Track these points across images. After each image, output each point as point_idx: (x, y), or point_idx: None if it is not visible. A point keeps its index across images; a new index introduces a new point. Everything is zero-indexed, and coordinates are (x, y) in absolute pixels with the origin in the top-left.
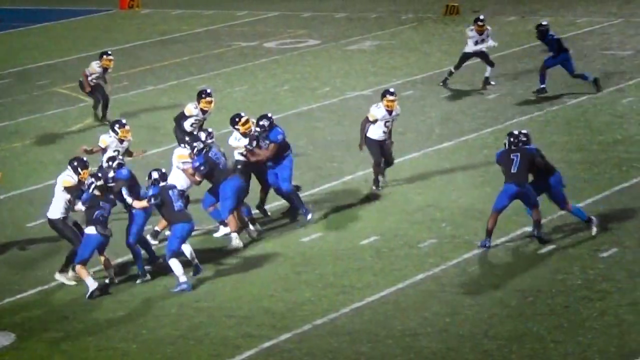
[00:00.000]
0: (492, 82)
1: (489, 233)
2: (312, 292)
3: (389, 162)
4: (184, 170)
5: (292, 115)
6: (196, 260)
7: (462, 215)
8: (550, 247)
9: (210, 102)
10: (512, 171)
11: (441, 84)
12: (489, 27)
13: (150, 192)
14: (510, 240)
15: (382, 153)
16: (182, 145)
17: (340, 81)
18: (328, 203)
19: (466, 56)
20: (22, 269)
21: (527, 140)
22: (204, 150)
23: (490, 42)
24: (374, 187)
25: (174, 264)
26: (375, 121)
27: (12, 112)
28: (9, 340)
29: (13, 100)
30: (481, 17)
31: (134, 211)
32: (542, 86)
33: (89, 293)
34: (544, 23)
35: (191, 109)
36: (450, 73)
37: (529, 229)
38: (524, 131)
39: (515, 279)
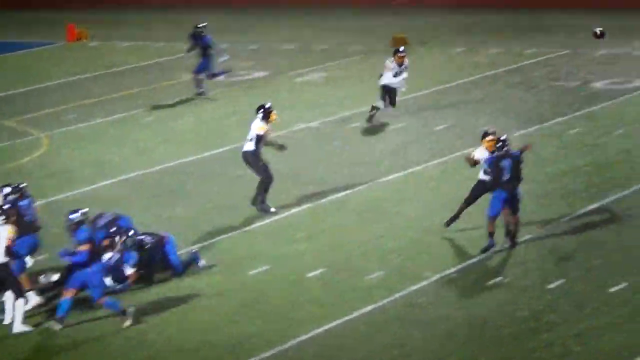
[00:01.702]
0: (373, 112)
1: (491, 234)
2: (260, 324)
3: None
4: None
5: (240, 148)
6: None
7: (411, 246)
8: (498, 278)
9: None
10: (504, 178)
11: (368, 121)
12: (407, 60)
13: None
14: (458, 272)
15: None
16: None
17: (288, 113)
18: (276, 235)
19: (386, 88)
20: None
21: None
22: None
23: (405, 75)
24: None
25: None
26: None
27: None
28: None
29: None
30: (401, 48)
31: None
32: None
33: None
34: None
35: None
36: (374, 108)
37: (474, 260)
38: (504, 137)
39: (464, 310)
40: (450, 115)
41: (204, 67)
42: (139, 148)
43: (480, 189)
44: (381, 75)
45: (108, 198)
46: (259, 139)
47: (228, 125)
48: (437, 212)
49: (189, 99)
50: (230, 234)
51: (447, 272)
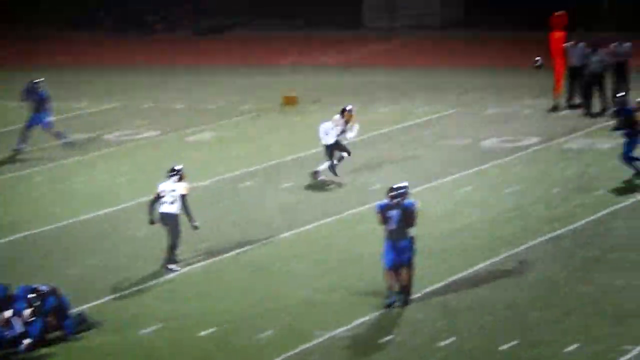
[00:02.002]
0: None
1: (390, 291)
2: None
3: None
4: None
5: (131, 207)
6: None
7: (302, 305)
8: (389, 337)
9: None
10: (390, 227)
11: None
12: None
13: None
14: (349, 330)
15: None
16: None
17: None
18: (168, 294)
19: (334, 146)
20: None
21: (406, 193)
22: None
23: (355, 131)
24: None
25: None
26: None
27: None
28: None
29: None
30: (349, 107)
31: None
32: None
33: None
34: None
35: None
36: (335, 163)
37: (365, 318)
38: (403, 184)
39: None
40: (342, 174)
41: (36, 122)
42: (30, 207)
43: None
44: (326, 135)
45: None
46: (183, 199)
47: (119, 184)
48: (327, 271)
49: (84, 159)
50: (121, 293)
51: (338, 330)
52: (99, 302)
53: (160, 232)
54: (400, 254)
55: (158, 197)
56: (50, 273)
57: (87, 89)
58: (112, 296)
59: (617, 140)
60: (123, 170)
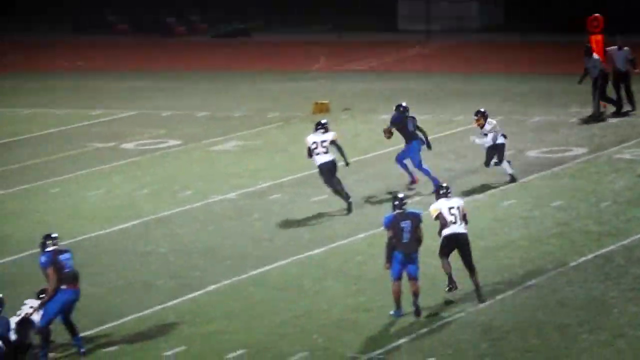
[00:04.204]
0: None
1: (397, 304)
2: None
3: None
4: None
5: (152, 221)
6: None
7: (335, 326)
8: (430, 359)
9: None
10: (403, 240)
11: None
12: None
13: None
14: (387, 352)
15: None
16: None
17: (203, 184)
18: (191, 315)
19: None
20: None
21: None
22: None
23: (491, 135)
24: None
25: None
26: None
27: None
28: None
29: None
30: (479, 112)
31: None
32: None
33: None
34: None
35: None
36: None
37: (404, 340)
38: (400, 195)
39: None
40: (375, 186)
41: None
42: (43, 222)
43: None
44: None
45: (9, 276)
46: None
47: (139, 197)
48: (361, 289)
49: (100, 170)
50: (141, 313)
51: (374, 353)
52: (118, 322)
53: (184, 249)
54: (411, 266)
55: (311, 151)
56: None
57: (104, 95)
58: (132, 316)
59: None
60: (143, 181)
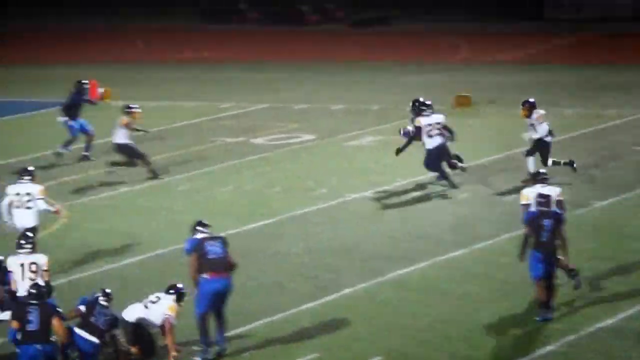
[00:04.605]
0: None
1: (542, 304)
2: None
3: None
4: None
5: (285, 220)
6: None
7: (479, 332)
8: None
9: None
10: (541, 239)
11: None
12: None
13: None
14: None
15: None
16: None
17: (338, 181)
18: (326, 319)
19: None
20: None
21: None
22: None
23: (538, 130)
24: None
25: None
26: None
27: None
28: None
29: None
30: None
31: None
32: None
33: None
34: None
35: None
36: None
37: (551, 347)
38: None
39: None
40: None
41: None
42: (172, 220)
43: None
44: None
45: (135, 277)
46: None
47: (271, 195)
48: (507, 293)
49: (230, 166)
50: (274, 317)
51: None
52: (249, 326)
53: (318, 249)
54: (550, 265)
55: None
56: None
57: (234, 87)
58: (264, 320)
59: None
60: (275, 178)
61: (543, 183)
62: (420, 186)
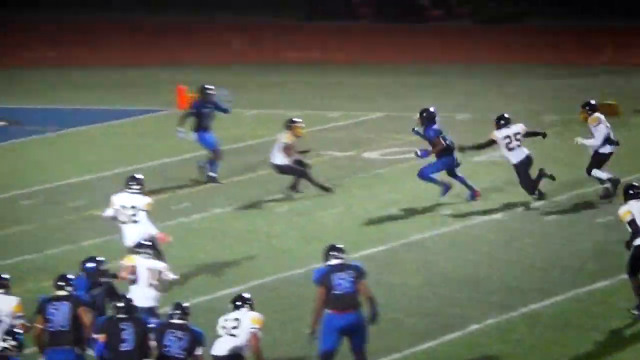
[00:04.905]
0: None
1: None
2: None
3: None
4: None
5: (401, 247)
6: None
7: None
8: None
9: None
10: None
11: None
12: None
13: None
14: None
15: None
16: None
17: (463, 202)
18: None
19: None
20: None
21: None
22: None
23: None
24: None
25: None
26: None
27: (40, 241)
28: None
29: (41, 227)
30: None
31: None
32: None
33: None
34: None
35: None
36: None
37: None
38: None
39: None
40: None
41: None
42: (270, 248)
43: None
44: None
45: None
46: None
47: (385, 218)
48: None
49: (338, 184)
50: (389, 356)
51: None
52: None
53: (441, 281)
54: None
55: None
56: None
57: (342, 93)
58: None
59: None
60: (390, 198)
61: (638, 198)
62: (558, 207)
